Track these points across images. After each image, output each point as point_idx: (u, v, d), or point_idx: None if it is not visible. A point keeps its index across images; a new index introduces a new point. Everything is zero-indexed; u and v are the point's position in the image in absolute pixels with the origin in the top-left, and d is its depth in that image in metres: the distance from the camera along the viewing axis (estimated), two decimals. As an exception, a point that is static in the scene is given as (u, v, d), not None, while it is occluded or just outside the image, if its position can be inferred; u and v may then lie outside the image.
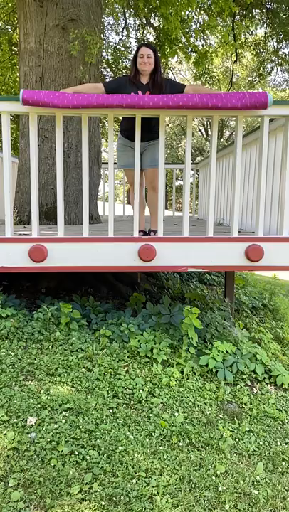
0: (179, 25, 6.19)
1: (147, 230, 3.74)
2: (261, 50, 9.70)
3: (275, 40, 9.03)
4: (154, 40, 8.01)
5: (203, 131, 29.46)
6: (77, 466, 2.20)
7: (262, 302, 5.25)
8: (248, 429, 2.71)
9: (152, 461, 2.30)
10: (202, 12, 7.61)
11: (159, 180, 3.28)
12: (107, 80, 8.86)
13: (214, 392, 2.98)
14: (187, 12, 7.08)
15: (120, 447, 2.35)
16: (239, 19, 8.32)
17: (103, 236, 3.24)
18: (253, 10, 8.34)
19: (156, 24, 7.98)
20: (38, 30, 4.53)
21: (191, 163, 7.83)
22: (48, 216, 4.57)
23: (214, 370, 3.14)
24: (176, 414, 2.70)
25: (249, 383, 3.17)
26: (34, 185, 3.11)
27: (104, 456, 2.28)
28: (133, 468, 2.24)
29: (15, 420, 2.42)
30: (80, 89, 3.19)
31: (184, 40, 7.49)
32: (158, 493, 2.11)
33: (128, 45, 9.84)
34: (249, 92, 2.88)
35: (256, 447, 2.58)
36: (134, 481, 2.16)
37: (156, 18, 7.81)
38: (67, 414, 2.52)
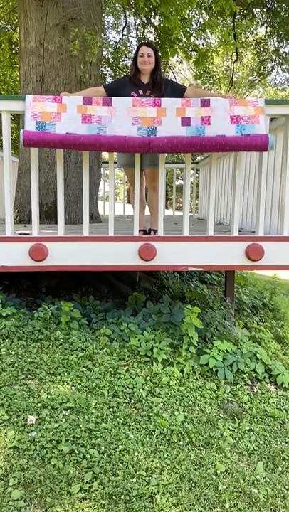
0: (180, 25, 6.19)
1: (147, 230, 3.74)
2: (262, 50, 9.71)
3: (275, 39, 9.04)
4: (155, 39, 8.00)
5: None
6: (78, 465, 2.20)
7: (262, 301, 5.25)
8: (248, 428, 2.71)
9: (152, 460, 2.31)
10: (202, 11, 7.61)
11: (159, 180, 3.28)
12: (108, 81, 8.86)
13: (214, 392, 2.98)
14: (188, 11, 7.07)
15: (120, 446, 2.35)
16: (239, 18, 8.32)
17: (103, 235, 3.24)
18: (254, 9, 8.34)
19: (156, 23, 7.97)
20: (39, 29, 4.53)
21: (192, 163, 7.82)
22: (48, 215, 4.57)
23: (214, 370, 3.15)
24: (177, 413, 2.70)
25: (249, 382, 3.17)
26: (34, 185, 3.11)
27: (105, 455, 2.28)
28: (133, 467, 2.24)
29: (15, 419, 2.43)
30: (81, 95, 3.18)
31: (184, 40, 7.48)
32: (158, 492, 2.12)
33: (128, 44, 9.83)
34: (251, 136, 2.92)
35: (256, 446, 2.58)
36: (134, 480, 2.17)
37: (157, 17, 7.80)
38: (67, 413, 2.52)
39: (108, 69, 9.30)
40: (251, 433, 2.68)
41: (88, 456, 2.25)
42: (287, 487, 2.31)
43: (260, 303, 5.17)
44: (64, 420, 2.46)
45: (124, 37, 9.40)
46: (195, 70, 12.87)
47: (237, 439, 2.61)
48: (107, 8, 8.49)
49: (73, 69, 4.60)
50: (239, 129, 2.99)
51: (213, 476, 2.28)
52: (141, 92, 3.35)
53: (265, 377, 3.25)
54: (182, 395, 2.87)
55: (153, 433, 2.51)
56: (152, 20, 8.14)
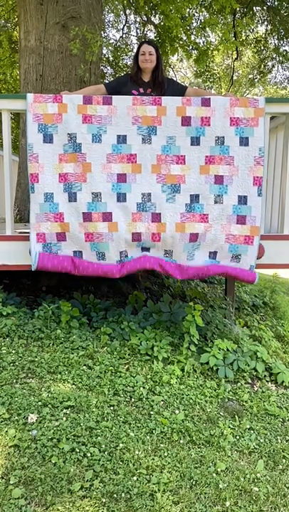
0: (180, 23, 6.16)
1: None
2: (262, 48, 9.67)
3: (275, 37, 9.00)
4: (155, 37, 7.98)
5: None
6: (78, 464, 2.20)
7: (262, 300, 5.25)
8: (248, 426, 2.72)
9: (153, 459, 2.31)
10: (203, 9, 7.59)
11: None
12: (108, 79, 8.84)
13: (215, 390, 2.98)
14: (188, 9, 7.05)
15: (121, 444, 2.35)
16: (240, 16, 8.29)
17: (104, 234, 3.23)
18: (254, 7, 8.31)
19: (156, 22, 7.95)
20: (39, 28, 4.52)
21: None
22: (48, 214, 4.56)
23: (215, 368, 3.15)
24: (177, 411, 2.71)
25: (250, 381, 3.18)
26: (35, 183, 3.10)
27: (105, 453, 2.29)
28: (134, 465, 2.24)
29: (16, 418, 2.43)
30: (82, 93, 3.18)
31: (184, 38, 7.46)
32: (159, 490, 2.12)
33: (129, 42, 9.81)
34: (244, 272, 3.15)
35: (257, 445, 2.58)
36: (134, 478, 2.17)
37: (157, 16, 7.78)
38: (68, 412, 2.52)
39: (108, 68, 9.29)
40: (252, 431, 2.68)
41: (89, 455, 2.25)
42: (287, 485, 2.32)
43: (260, 301, 5.17)
44: (65, 419, 2.46)
45: (124, 35, 9.38)
46: (195, 69, 12.85)
47: (237, 437, 2.62)
48: (107, 7, 8.47)
49: (73, 68, 4.59)
50: (238, 132, 3.00)
51: (214, 474, 2.28)
52: (142, 90, 3.35)
53: (265, 376, 3.26)
54: (183, 393, 2.87)
55: (153, 431, 2.51)
56: (152, 18, 8.11)
